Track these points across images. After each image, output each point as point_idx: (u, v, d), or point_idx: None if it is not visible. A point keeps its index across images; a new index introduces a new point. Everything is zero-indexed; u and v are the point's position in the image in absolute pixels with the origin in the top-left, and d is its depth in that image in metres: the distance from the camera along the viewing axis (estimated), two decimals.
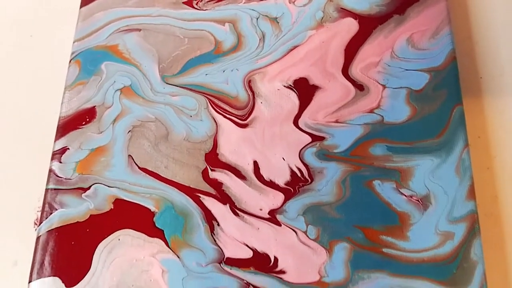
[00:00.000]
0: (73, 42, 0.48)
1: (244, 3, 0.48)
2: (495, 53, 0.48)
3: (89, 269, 0.39)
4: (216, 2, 0.49)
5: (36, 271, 0.40)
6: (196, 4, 0.49)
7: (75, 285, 0.39)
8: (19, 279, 0.44)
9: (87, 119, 0.45)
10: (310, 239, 0.39)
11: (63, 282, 0.39)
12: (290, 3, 0.48)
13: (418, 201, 0.40)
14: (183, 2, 0.49)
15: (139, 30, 0.48)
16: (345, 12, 0.47)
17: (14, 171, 0.47)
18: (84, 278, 0.39)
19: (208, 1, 0.49)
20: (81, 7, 0.49)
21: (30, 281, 0.39)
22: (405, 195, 0.40)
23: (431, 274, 0.38)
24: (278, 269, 0.39)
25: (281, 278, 0.38)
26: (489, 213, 0.43)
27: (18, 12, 0.54)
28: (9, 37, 0.53)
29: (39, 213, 0.43)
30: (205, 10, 0.48)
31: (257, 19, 0.47)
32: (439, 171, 0.41)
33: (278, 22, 0.47)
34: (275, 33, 0.47)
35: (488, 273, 0.39)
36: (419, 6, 0.47)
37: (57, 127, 0.44)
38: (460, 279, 0.38)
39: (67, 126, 0.45)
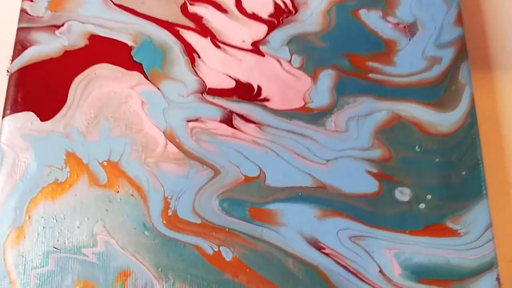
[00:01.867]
0: None
1: None
2: None
3: (65, 103, 0.38)
4: None
5: (9, 107, 0.38)
6: None
7: (50, 118, 0.38)
8: None
9: None
10: (294, 67, 0.39)
11: (37, 115, 0.38)
12: None
13: (404, 27, 0.40)
14: None
15: None
16: None
17: None
18: (60, 112, 0.38)
19: None
20: None
21: (3, 117, 0.38)
22: (392, 23, 0.40)
23: (418, 96, 0.38)
24: (262, 97, 0.38)
25: (265, 105, 0.38)
26: (479, 46, 0.42)
27: None
28: None
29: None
30: None
31: None
32: None
33: None
34: None
35: (476, 95, 0.38)
36: None
37: None
38: (448, 101, 0.38)
39: None
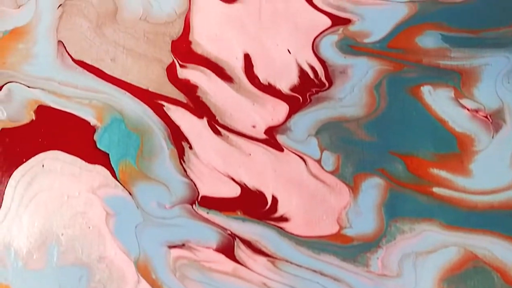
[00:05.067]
0: None
1: None
2: None
3: None
4: None
5: None
6: None
7: None
8: None
9: None
10: (326, 171, 0.34)
11: None
12: None
13: (486, 117, 0.34)
14: None
15: None
16: None
17: None
18: None
19: None
20: None
21: None
22: (468, 109, 0.34)
23: (502, 226, 0.32)
24: (277, 214, 0.33)
25: (281, 228, 0.33)
26: None
27: None
28: None
29: None
30: None
31: None
32: None
33: None
34: None
35: None
36: None
37: None
38: None
39: None
